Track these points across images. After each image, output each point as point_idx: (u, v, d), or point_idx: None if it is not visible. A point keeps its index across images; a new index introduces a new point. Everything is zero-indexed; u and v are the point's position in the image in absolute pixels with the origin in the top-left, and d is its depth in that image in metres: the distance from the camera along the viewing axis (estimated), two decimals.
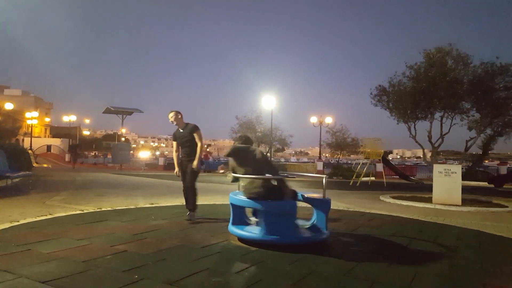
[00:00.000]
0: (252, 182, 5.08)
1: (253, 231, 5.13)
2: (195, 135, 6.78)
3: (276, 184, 5.22)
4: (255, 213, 5.51)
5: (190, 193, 6.82)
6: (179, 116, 6.89)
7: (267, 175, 5.14)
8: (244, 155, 5.28)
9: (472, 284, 3.76)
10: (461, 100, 14.41)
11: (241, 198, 5.22)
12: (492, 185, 20.47)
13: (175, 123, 6.89)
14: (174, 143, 7.04)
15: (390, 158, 28.57)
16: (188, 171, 6.75)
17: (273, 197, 5.06)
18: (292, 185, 5.53)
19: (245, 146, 5.43)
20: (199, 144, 6.77)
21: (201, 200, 10.18)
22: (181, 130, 6.90)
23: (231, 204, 5.44)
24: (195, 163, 6.66)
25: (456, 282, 3.83)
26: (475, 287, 3.67)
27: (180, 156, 6.93)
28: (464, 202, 10.94)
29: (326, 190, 5.40)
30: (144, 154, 47.72)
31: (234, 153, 5.36)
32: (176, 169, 6.93)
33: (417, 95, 14.15)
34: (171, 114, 6.87)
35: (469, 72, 14.25)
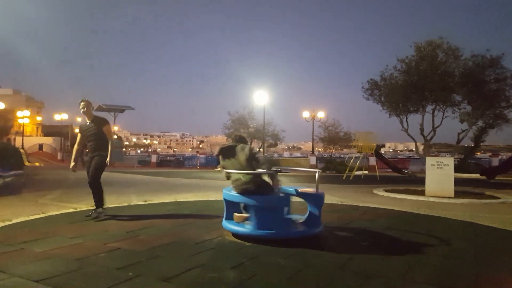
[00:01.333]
0: (240, 177, 5.15)
1: (247, 226, 5.14)
2: (104, 129, 6.55)
3: (265, 179, 5.28)
4: (245, 208, 5.52)
5: (94, 189, 6.54)
6: (90, 107, 6.60)
7: (259, 170, 5.17)
8: (231, 153, 5.40)
9: (465, 275, 3.79)
10: (453, 93, 14.50)
11: (234, 193, 5.23)
12: (484, 177, 20.61)
13: (85, 113, 6.58)
14: (79, 136, 6.68)
15: (383, 152, 28.72)
16: (92, 165, 6.49)
17: (262, 191, 5.10)
18: (286, 180, 5.56)
19: (232, 144, 5.55)
20: (110, 140, 6.53)
21: (194, 197, 10.21)
22: (88, 123, 6.59)
23: (225, 199, 5.44)
24: (108, 159, 6.48)
25: (449, 273, 3.86)
26: (468, 278, 3.70)
27: (87, 151, 6.63)
28: (457, 194, 11.03)
29: (319, 184, 5.42)
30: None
31: (222, 151, 5.50)
32: (72, 163, 6.67)
33: (409, 89, 14.22)
34: (82, 104, 6.53)
35: (460, 65, 14.35)
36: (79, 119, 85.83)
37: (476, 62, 14.22)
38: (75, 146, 6.67)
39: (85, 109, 6.53)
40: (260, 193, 5.06)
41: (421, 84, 13.87)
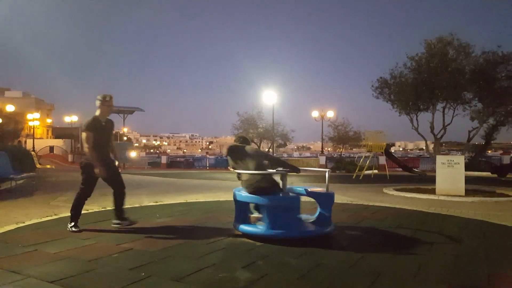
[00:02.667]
0: (251, 178, 5.20)
1: (258, 226, 5.16)
2: (113, 132, 5.98)
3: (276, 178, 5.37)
4: (257, 208, 5.55)
5: (124, 196, 5.90)
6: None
7: (269, 170, 5.25)
8: (240, 153, 5.43)
9: (477, 274, 3.77)
10: (463, 90, 14.40)
11: (244, 194, 5.26)
12: (495, 175, 20.43)
13: (110, 111, 5.84)
14: (92, 134, 5.43)
15: (393, 151, 28.55)
16: (117, 171, 5.92)
17: (273, 191, 5.16)
18: (296, 179, 5.60)
19: (240, 145, 5.58)
20: (113, 143, 6.00)
21: (204, 197, 10.25)
22: (103, 123, 5.70)
23: (235, 200, 5.46)
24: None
25: (461, 272, 3.84)
26: (480, 277, 3.68)
27: (101, 154, 5.55)
28: (468, 192, 10.94)
29: (329, 184, 5.42)
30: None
31: (230, 152, 5.53)
32: (100, 169, 5.37)
33: (419, 86, 14.15)
34: (111, 99, 5.77)
35: (470, 62, 14.23)
36: None
37: (487, 59, 14.10)
38: (94, 147, 5.40)
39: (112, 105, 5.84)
40: (271, 193, 5.09)
41: (431, 82, 13.78)
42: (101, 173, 5.38)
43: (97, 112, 5.67)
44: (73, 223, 5.51)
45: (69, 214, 5.59)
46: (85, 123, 5.61)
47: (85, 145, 5.41)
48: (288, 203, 5.12)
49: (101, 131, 5.58)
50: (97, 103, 5.66)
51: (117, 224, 5.72)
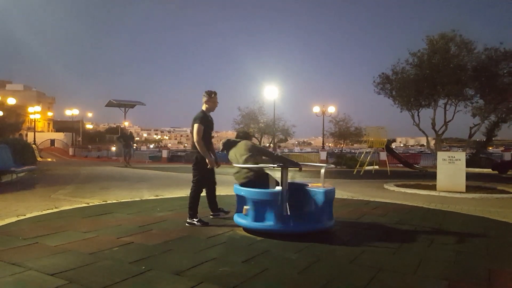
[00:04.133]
0: (241, 171, 5.53)
1: (258, 221, 5.15)
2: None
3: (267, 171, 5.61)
4: None
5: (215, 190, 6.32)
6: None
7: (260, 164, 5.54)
8: (233, 148, 5.78)
9: (477, 270, 3.77)
10: (465, 87, 14.33)
11: (244, 188, 5.28)
12: (496, 172, 20.42)
13: (215, 107, 6.05)
14: (202, 128, 5.71)
15: (394, 147, 28.55)
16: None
17: (261, 183, 5.33)
18: (297, 174, 5.65)
19: (234, 140, 5.92)
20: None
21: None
22: (210, 118, 6.01)
23: (236, 194, 5.46)
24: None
25: (462, 268, 3.84)
26: (481, 273, 3.68)
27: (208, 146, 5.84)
28: (468, 189, 10.94)
29: (330, 179, 5.43)
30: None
31: (225, 147, 5.86)
32: (210, 159, 5.70)
33: (421, 83, 14.07)
34: (215, 94, 6.01)
35: (472, 58, 14.15)
36: (89, 115, 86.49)
37: (489, 55, 14.01)
38: (201, 140, 5.64)
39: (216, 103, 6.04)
40: (257, 186, 5.25)
41: (433, 78, 13.72)
42: (212, 163, 5.70)
43: (204, 107, 5.95)
44: (196, 219, 5.67)
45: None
46: (197, 116, 5.79)
47: (195, 137, 5.66)
48: (273, 196, 5.03)
49: (208, 125, 5.85)
50: (204, 99, 5.94)
51: (215, 215, 6.22)
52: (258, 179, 5.42)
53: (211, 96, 5.94)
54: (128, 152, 23.01)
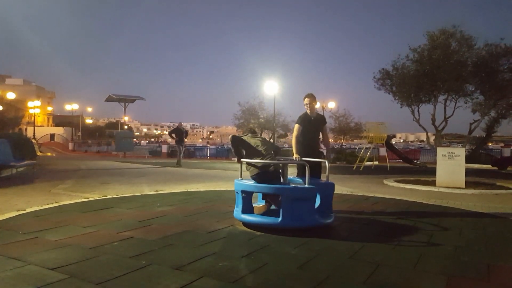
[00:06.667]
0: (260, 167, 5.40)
1: (258, 216, 5.17)
2: (324, 128, 6.73)
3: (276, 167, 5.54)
4: (264, 197, 5.65)
5: None
6: (314, 103, 6.54)
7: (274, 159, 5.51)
8: (241, 144, 5.75)
9: (476, 265, 3.78)
10: (465, 83, 14.34)
11: (245, 183, 5.28)
12: (495, 168, 20.45)
13: (311, 108, 6.48)
14: (299, 127, 6.41)
15: (394, 142, 28.55)
16: (319, 165, 6.31)
17: (270, 179, 5.30)
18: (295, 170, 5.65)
19: (241, 136, 5.94)
20: (328, 136, 6.93)
21: (205, 187, 10.27)
22: (312, 118, 6.48)
23: (240, 190, 5.45)
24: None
25: (461, 263, 3.85)
26: (480, 268, 3.69)
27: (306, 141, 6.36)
28: (468, 184, 10.95)
29: (329, 174, 5.43)
30: None
31: (234, 143, 5.79)
32: (296, 155, 6.08)
33: (421, 78, 14.08)
34: (307, 100, 6.46)
35: (473, 54, 14.16)
36: (89, 109, 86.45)
37: (490, 51, 14.01)
38: (296, 139, 6.35)
39: (310, 104, 6.46)
40: (268, 181, 5.25)
41: (433, 74, 13.72)
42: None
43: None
44: None
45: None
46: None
47: (294, 134, 6.44)
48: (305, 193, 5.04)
49: (308, 124, 6.39)
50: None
51: None
52: (267, 173, 5.40)
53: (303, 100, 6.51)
54: (180, 150, 20.13)
